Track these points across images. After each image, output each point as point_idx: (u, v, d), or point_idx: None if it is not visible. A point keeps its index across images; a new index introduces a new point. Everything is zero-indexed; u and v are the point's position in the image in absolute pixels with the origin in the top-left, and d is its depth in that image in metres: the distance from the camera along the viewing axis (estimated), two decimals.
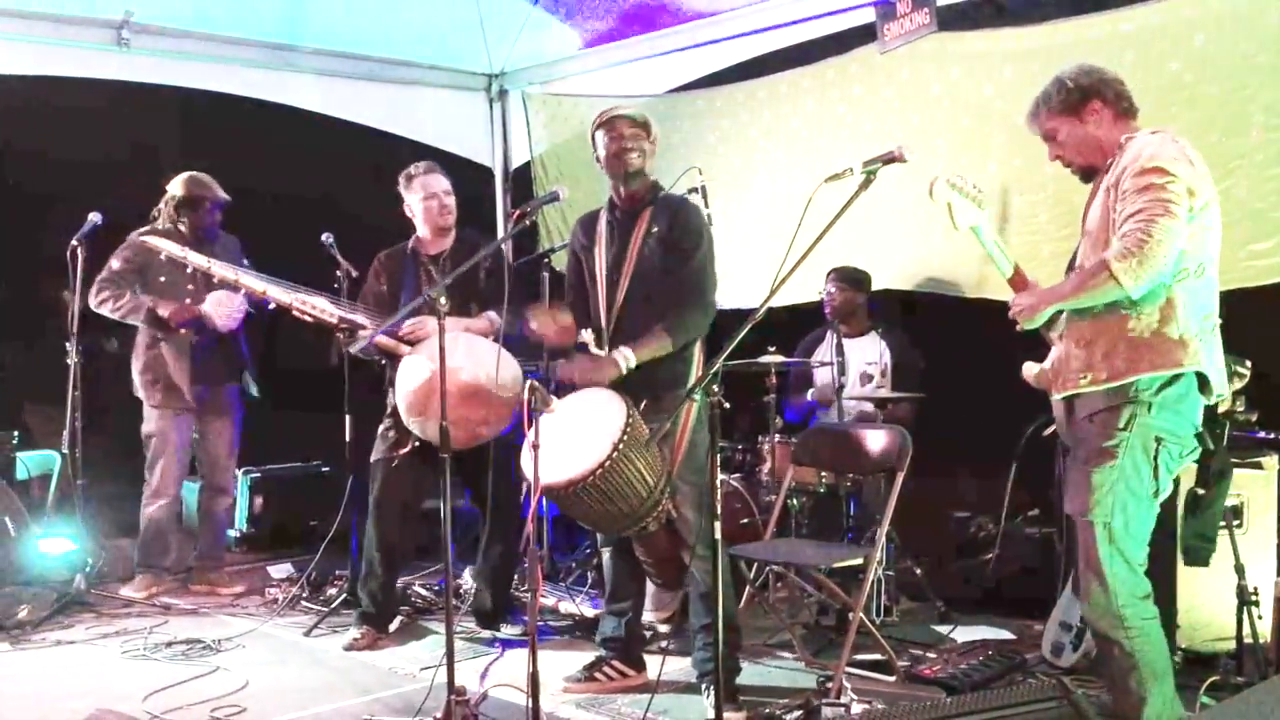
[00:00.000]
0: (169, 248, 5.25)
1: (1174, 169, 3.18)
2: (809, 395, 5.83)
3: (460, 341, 4.59)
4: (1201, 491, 3.85)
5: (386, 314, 4.77)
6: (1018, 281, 3.51)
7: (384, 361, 4.90)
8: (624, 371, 3.97)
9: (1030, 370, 3.62)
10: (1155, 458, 3.27)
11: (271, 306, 5.16)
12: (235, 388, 5.98)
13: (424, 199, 4.94)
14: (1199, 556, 3.99)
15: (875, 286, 5.74)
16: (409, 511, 5.02)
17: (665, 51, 6.46)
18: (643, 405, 3.87)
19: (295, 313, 4.92)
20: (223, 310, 5.64)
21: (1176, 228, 3.13)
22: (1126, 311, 3.25)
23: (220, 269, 5.14)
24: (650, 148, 4.17)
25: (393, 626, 5.09)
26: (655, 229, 4.12)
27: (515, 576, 5.30)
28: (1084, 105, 3.41)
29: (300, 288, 4.98)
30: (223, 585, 5.96)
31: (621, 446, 3.71)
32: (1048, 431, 4.27)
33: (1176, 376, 3.24)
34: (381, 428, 4.97)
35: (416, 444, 4.79)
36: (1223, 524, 4.03)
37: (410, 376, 4.66)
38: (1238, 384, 3.97)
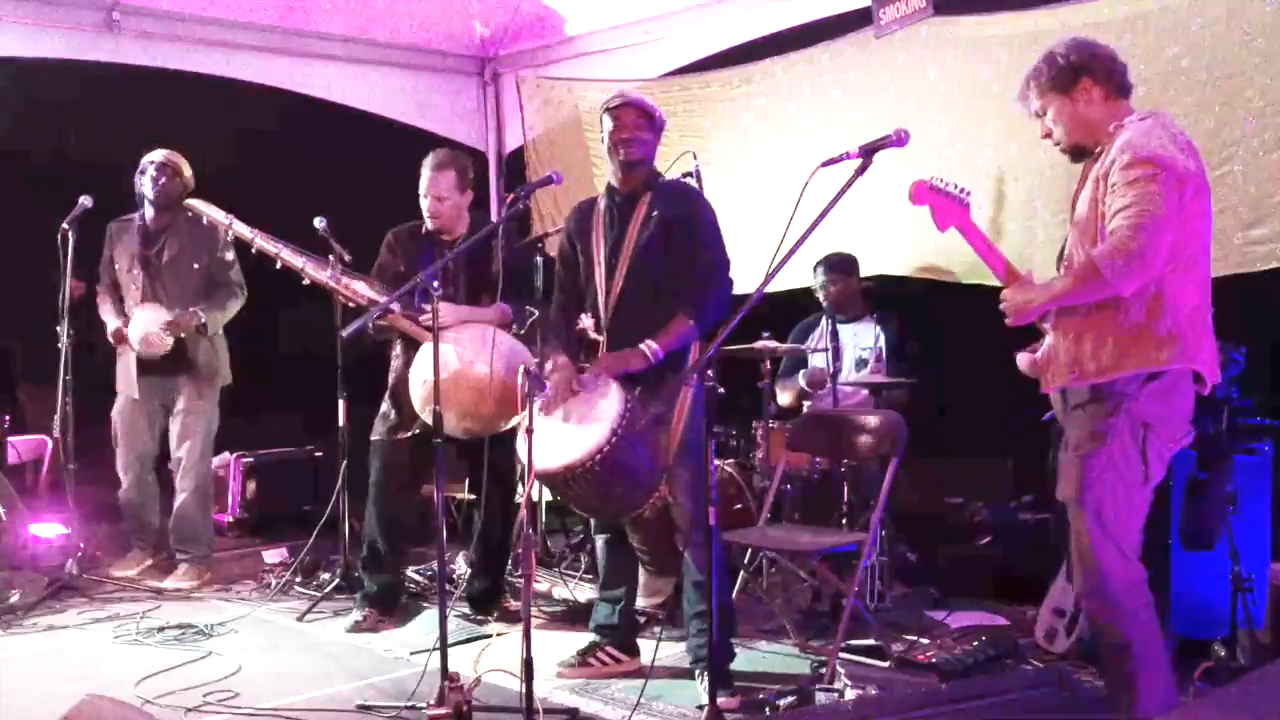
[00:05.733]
0: (211, 212, 5.21)
1: (1162, 159, 3.10)
2: (800, 379, 5.81)
3: (485, 336, 4.59)
4: (1204, 476, 3.80)
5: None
6: (1010, 279, 3.40)
7: (399, 343, 4.88)
8: (651, 363, 3.94)
9: (1023, 360, 3.57)
10: (1144, 444, 3.20)
11: (306, 282, 5.01)
12: None
13: (422, 196, 4.91)
14: (1204, 540, 3.95)
15: (869, 272, 5.72)
16: (410, 493, 5.01)
17: (659, 36, 6.43)
18: (638, 391, 3.85)
19: (331, 291, 4.88)
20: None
21: (1164, 224, 3.06)
22: (1115, 306, 3.18)
23: (262, 241, 5.04)
24: (654, 138, 4.16)
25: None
26: (655, 213, 4.09)
27: (509, 562, 5.29)
28: (1074, 83, 3.32)
29: (329, 262, 4.92)
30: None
31: (620, 431, 3.69)
32: (1047, 416, 4.25)
33: (1162, 372, 3.19)
34: (382, 408, 4.94)
35: (418, 430, 4.77)
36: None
37: (429, 365, 4.59)
38: (1233, 371, 3.95)
